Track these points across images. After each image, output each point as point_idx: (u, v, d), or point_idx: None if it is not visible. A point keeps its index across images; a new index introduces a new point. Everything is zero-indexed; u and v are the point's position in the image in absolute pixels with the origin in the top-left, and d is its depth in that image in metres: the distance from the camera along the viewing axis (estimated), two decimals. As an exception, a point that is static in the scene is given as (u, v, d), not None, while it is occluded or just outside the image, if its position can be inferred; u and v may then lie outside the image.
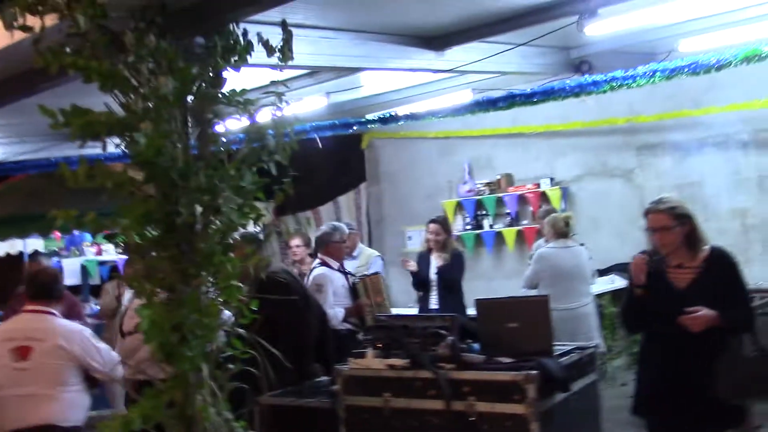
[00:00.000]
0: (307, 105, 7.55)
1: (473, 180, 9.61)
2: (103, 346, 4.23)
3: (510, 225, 9.22)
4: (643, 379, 3.70)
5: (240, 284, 3.55)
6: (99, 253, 9.71)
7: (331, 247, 5.77)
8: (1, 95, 5.11)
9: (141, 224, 3.24)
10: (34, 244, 10.47)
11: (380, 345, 3.95)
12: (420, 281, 6.72)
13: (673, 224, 3.50)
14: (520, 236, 9.18)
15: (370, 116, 6.95)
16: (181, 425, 3.47)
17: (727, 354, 3.42)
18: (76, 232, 9.40)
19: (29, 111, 5.55)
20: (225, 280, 3.54)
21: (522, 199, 9.16)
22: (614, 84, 5.35)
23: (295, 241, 7.26)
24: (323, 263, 5.77)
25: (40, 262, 7.64)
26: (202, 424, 3.44)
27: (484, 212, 9.47)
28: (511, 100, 5.84)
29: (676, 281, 3.57)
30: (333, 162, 10.23)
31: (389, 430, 3.79)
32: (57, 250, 9.90)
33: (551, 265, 6.03)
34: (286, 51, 3.47)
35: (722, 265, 3.56)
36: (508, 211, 9.23)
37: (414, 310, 7.00)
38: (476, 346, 3.89)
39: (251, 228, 3.77)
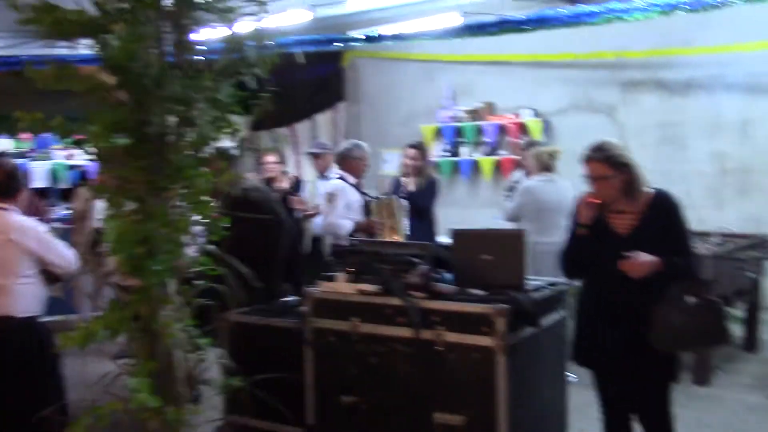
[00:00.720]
0: (289, 18, 7.28)
1: (454, 106, 9.46)
2: (59, 242, 4.27)
3: (488, 154, 9.13)
4: (580, 326, 3.66)
5: (211, 200, 3.46)
6: (69, 157, 9.48)
7: (350, 163, 5.84)
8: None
9: (110, 132, 3.11)
10: (3, 144, 10.23)
11: (351, 269, 3.90)
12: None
13: (611, 173, 3.43)
14: (498, 166, 9.11)
15: (354, 33, 6.71)
16: (145, 339, 3.43)
17: (665, 302, 3.36)
18: (46, 135, 9.17)
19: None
20: (196, 195, 3.44)
21: (502, 129, 9.04)
22: (610, 16, 5.18)
23: (270, 158, 7.12)
24: (341, 177, 5.86)
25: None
26: (166, 339, 3.39)
27: (462, 139, 9.35)
28: (502, 26, 5.66)
29: (617, 227, 3.50)
30: (312, 79, 10.00)
31: (356, 354, 3.78)
32: (25, 151, 9.66)
33: (536, 199, 5.96)
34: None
35: (665, 209, 3.48)
36: (487, 139, 9.12)
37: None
38: (448, 275, 3.85)
39: (226, 142, 3.65)
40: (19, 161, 9.71)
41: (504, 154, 9.03)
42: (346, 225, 5.63)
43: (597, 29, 7.14)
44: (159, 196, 3.40)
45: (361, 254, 3.93)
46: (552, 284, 3.90)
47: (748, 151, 7.63)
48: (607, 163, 3.45)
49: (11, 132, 8.08)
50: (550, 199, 6.18)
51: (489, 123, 9.10)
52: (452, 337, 3.51)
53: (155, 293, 3.38)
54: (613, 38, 7.90)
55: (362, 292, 3.77)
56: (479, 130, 9.20)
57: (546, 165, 6.27)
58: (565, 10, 5.69)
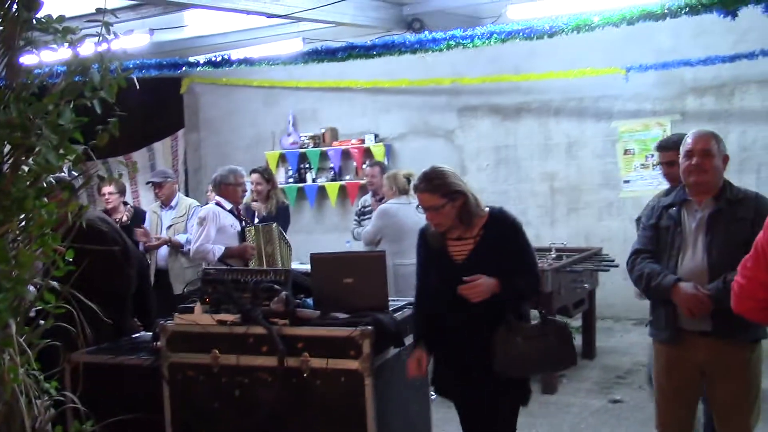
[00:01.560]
0: (128, 41, 6.98)
1: (297, 132, 9.46)
2: None
3: (333, 179, 9.19)
4: (436, 357, 3.53)
5: (54, 233, 3.23)
6: None
7: (224, 189, 5.78)
8: None
9: (-62, 161, 2.82)
10: None
11: (209, 299, 3.76)
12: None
13: (442, 202, 3.31)
14: (343, 191, 9.20)
15: (196, 58, 6.55)
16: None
17: (504, 327, 3.27)
18: None
19: None
20: (38, 228, 3.18)
21: (346, 154, 9.15)
22: (452, 42, 5.39)
23: (108, 189, 6.77)
24: (217, 203, 5.79)
25: None
26: (10, 384, 3.11)
27: (307, 165, 9.36)
28: (349, 51, 5.73)
29: (455, 254, 3.39)
30: (148, 105, 9.65)
31: (217, 387, 3.64)
32: None
33: (395, 221, 6.02)
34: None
35: (501, 229, 3.38)
36: (331, 165, 9.19)
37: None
38: (310, 301, 3.80)
39: (66, 172, 3.42)
40: None
41: (349, 179, 9.12)
42: (216, 250, 5.54)
43: (432, 56, 7.44)
44: (-5, 230, 3.13)
45: (218, 283, 3.79)
46: (412, 303, 3.94)
47: (575, 170, 8.17)
48: (437, 193, 3.31)
49: None
50: (408, 221, 6.27)
51: (333, 148, 9.17)
52: (318, 362, 3.47)
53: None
54: (449, 65, 8.25)
55: (221, 322, 3.64)
56: (323, 156, 9.25)
57: (403, 188, 6.38)
58: (411, 36, 5.86)
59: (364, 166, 8.77)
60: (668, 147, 4.23)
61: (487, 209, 3.42)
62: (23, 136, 3.17)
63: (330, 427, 3.47)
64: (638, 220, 4.92)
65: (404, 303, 3.91)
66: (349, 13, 6.67)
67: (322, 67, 8.30)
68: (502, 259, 3.30)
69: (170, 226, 6.43)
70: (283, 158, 9.46)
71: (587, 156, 8.13)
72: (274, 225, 5.93)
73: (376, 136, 8.98)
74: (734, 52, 6.99)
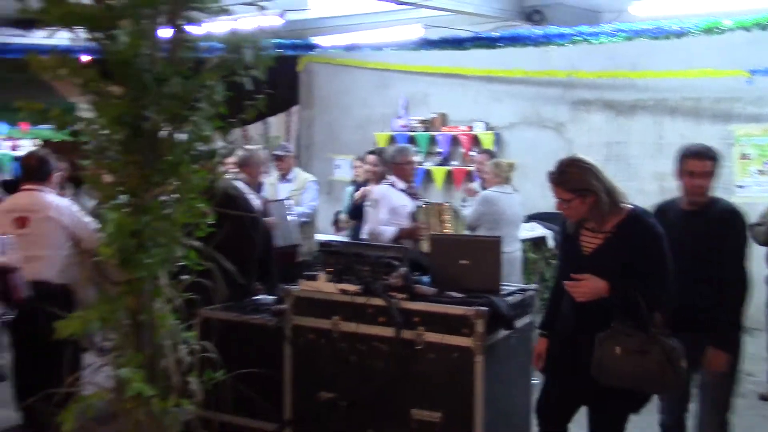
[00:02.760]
0: (262, 21, 7.33)
1: (408, 115, 9.66)
2: (88, 219, 4.79)
3: (440, 164, 9.35)
4: (550, 338, 3.63)
5: (203, 197, 3.53)
6: (14, 148, 9.29)
7: (398, 168, 5.73)
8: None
9: (114, 125, 3.15)
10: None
11: (332, 270, 4.01)
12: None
13: (569, 197, 3.32)
14: (449, 176, 9.35)
15: (320, 40, 6.82)
16: (134, 331, 3.46)
17: (607, 335, 3.23)
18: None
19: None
20: (189, 191, 3.50)
21: (455, 140, 9.29)
22: (578, 38, 5.44)
23: (230, 158, 7.16)
24: (390, 183, 5.74)
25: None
26: (158, 330, 3.44)
27: (415, 148, 9.54)
28: (475, 42, 5.85)
29: (584, 245, 3.40)
30: (265, 80, 10.03)
31: (335, 351, 3.89)
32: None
33: (494, 209, 6.16)
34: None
35: (635, 232, 3.31)
36: (440, 150, 9.35)
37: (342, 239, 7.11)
38: (425, 278, 4.00)
39: (218, 141, 3.72)
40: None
41: (456, 165, 9.27)
42: (387, 232, 5.51)
43: (549, 49, 7.48)
44: (151, 191, 3.45)
45: (340, 255, 4.04)
46: (523, 290, 4.09)
47: (687, 171, 8.05)
48: (566, 187, 3.34)
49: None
50: (506, 210, 6.42)
51: (442, 133, 9.33)
52: (432, 337, 3.67)
53: (146, 286, 3.43)
54: (565, 58, 8.25)
55: (344, 292, 3.89)
56: (432, 140, 9.42)
57: (506, 177, 6.51)
58: (537, 30, 5.94)
59: (471, 152, 8.91)
60: None
61: (628, 207, 3.39)
62: (183, 108, 3.49)
63: (438, 399, 3.66)
64: (752, 226, 4.87)
65: (515, 288, 4.07)
66: (472, 2, 6.78)
67: (436, 53, 8.48)
68: (629, 261, 3.27)
69: (286, 198, 6.75)
70: (392, 140, 9.68)
71: (701, 158, 7.99)
72: (447, 203, 5.97)
73: (485, 123, 9.08)
74: None
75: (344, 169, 9.76)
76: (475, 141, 9.09)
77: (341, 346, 3.89)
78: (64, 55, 3.23)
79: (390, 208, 5.56)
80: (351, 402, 3.86)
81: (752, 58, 7.28)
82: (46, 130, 9.81)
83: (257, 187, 6.10)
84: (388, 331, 3.76)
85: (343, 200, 7.82)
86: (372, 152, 6.89)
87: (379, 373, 3.79)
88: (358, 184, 6.86)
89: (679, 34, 4.90)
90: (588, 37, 5.52)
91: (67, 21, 3.10)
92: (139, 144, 3.39)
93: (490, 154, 7.11)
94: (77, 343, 4.48)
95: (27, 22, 7.02)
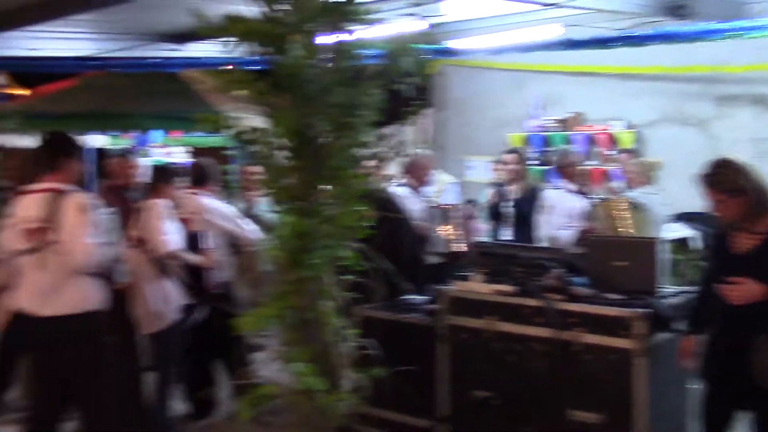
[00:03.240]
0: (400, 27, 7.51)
1: (542, 115, 9.58)
2: (242, 219, 5.24)
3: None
4: (707, 341, 3.53)
5: (364, 200, 3.70)
6: (167, 154, 9.90)
7: (565, 170, 5.83)
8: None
9: (290, 134, 3.35)
10: (99, 140, 10.71)
11: (485, 270, 4.08)
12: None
13: (721, 198, 3.33)
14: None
15: (456, 44, 6.89)
16: (301, 328, 3.66)
17: (763, 335, 3.18)
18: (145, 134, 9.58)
19: (130, 9, 5.62)
20: (351, 195, 3.68)
21: (591, 139, 9.14)
22: (732, 34, 5.26)
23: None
24: (560, 187, 5.86)
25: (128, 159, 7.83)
26: (324, 328, 3.62)
27: (550, 148, 9.46)
28: (626, 41, 5.77)
29: (736, 246, 3.36)
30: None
31: (491, 351, 3.96)
32: (127, 148, 10.11)
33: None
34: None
35: None
36: (576, 149, 9.21)
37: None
38: (577, 280, 4.00)
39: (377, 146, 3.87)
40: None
41: (592, 165, 9.11)
42: (567, 235, 5.49)
43: (692, 44, 7.24)
44: (315, 194, 3.64)
45: (496, 256, 4.11)
46: (683, 292, 4.02)
47: None
48: (716, 188, 3.34)
49: (124, 129, 8.48)
50: (653, 211, 6.26)
51: (578, 133, 9.20)
52: (590, 338, 3.68)
53: (312, 285, 3.61)
54: (708, 53, 7.94)
55: (499, 292, 3.95)
56: (567, 140, 9.30)
57: (649, 176, 6.37)
58: (687, 26, 5.78)
59: (611, 152, 8.75)
60: None
61: None
62: (346, 115, 3.66)
63: (595, 400, 3.67)
64: None
65: (673, 290, 4.00)
66: (616, -1, 6.66)
67: (571, 51, 8.36)
68: None
69: (453, 203, 6.66)
70: (526, 140, 9.63)
71: None
72: (623, 197, 5.90)
73: (624, 122, 8.87)
74: None
75: (478, 171, 9.78)
76: (613, 140, 8.89)
77: (496, 345, 3.96)
78: (240, 69, 3.47)
79: (564, 211, 5.58)
80: (506, 401, 3.92)
81: None
82: (196, 137, 10.41)
83: (421, 191, 6.08)
84: (544, 332, 3.80)
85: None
86: (510, 151, 6.89)
87: (535, 373, 3.83)
88: (499, 185, 6.87)
89: None
90: (740, 32, 5.30)
91: (246, 36, 3.33)
92: (305, 151, 3.60)
93: (634, 153, 6.94)
94: (244, 339, 4.79)
95: (181, 37, 7.48)
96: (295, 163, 3.61)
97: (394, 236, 4.64)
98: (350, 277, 3.71)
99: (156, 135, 9.85)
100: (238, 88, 3.60)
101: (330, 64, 3.60)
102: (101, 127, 8.38)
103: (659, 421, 3.78)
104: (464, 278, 4.17)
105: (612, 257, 3.89)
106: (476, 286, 4.06)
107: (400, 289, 4.76)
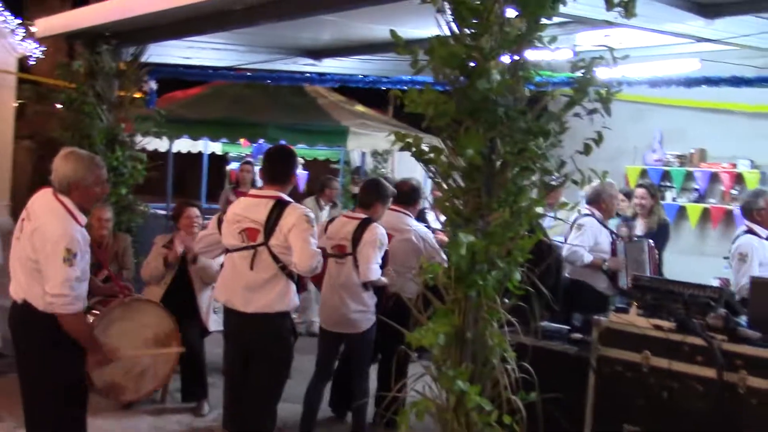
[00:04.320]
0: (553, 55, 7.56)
1: (663, 149, 9.43)
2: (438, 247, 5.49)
3: (696, 201, 9.03)
4: None
5: (537, 224, 3.74)
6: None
7: (756, 215, 5.49)
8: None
9: (477, 155, 3.41)
10: (212, 147, 11.07)
11: (643, 305, 4.05)
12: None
13: None
14: (705, 214, 9.01)
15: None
16: (459, 348, 3.69)
17: None
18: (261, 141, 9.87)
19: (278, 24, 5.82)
20: (529, 219, 3.72)
21: (714, 177, 8.94)
22: None
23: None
24: (749, 230, 5.53)
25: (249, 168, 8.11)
26: (487, 348, 3.66)
27: (668, 184, 9.30)
28: (759, 82, 5.70)
29: None
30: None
31: (645, 386, 3.91)
32: (246, 156, 10.42)
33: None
34: (630, 5, 3.50)
35: None
36: (696, 186, 9.04)
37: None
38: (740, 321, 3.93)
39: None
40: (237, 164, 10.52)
41: (714, 203, 8.91)
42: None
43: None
44: (486, 216, 3.69)
45: (654, 291, 4.07)
46: None
47: None
48: None
49: (252, 137, 8.77)
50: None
51: (700, 169, 9.02)
52: (758, 382, 3.59)
53: (477, 305, 3.66)
54: None
55: (657, 327, 3.91)
56: (688, 176, 9.13)
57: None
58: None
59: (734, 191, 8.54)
60: None
61: None
62: (531, 141, 3.70)
63: (763, 446, 3.58)
64: None
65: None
66: (756, 35, 6.53)
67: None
68: None
69: (644, 236, 6.49)
70: (644, 174, 9.49)
71: None
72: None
73: (751, 161, 8.66)
74: None
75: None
76: (738, 179, 8.69)
77: (651, 381, 3.90)
78: (431, 89, 3.55)
79: (760, 260, 5.29)
80: (659, 437, 3.86)
81: None
82: (304, 149, 10.63)
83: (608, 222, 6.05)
84: (705, 371, 3.73)
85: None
86: (641, 185, 6.82)
87: (691, 412, 3.76)
88: (627, 219, 6.80)
89: None
90: None
91: (446, 60, 3.42)
92: (480, 173, 3.65)
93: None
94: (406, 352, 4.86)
95: (318, 53, 7.69)
96: (471, 184, 3.67)
97: (539, 261, 4.64)
98: (512, 300, 3.76)
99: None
100: (427, 109, 3.67)
101: (518, 91, 3.67)
102: (230, 135, 8.67)
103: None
104: (622, 310, 4.14)
105: (780, 300, 3.80)
106: (633, 318, 4.02)
107: (553, 316, 4.77)
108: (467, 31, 3.47)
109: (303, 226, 4.00)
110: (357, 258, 4.86)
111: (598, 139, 3.66)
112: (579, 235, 5.80)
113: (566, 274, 5.89)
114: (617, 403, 4.02)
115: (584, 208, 6.05)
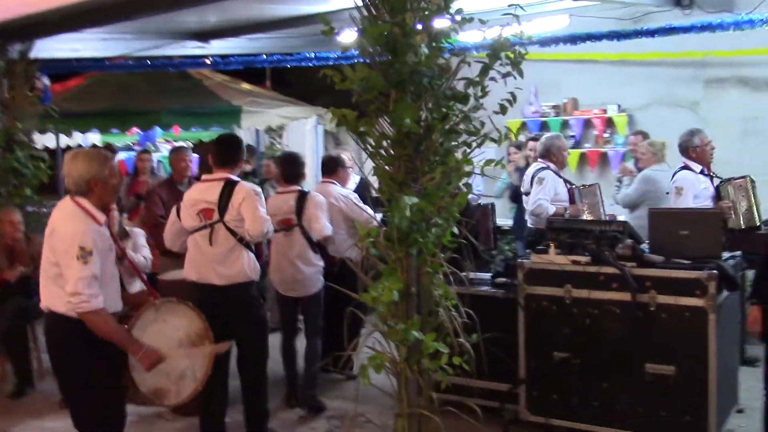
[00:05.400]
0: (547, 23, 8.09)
1: (538, 102, 10.05)
2: (364, 207, 5.65)
3: (574, 147, 9.71)
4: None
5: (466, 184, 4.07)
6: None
7: (692, 152, 6.06)
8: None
9: (414, 125, 3.68)
10: (92, 138, 10.79)
11: (560, 244, 4.49)
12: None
13: None
14: (583, 158, 9.71)
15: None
16: (403, 301, 3.99)
17: None
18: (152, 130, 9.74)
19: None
20: (458, 179, 4.05)
21: (587, 123, 9.65)
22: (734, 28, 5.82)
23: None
24: (685, 167, 6.09)
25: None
26: (428, 299, 3.98)
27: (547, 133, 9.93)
28: (635, 35, 6.32)
29: None
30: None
31: (569, 316, 4.38)
32: (131, 144, 10.24)
33: (658, 187, 6.50)
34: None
35: None
36: (572, 133, 9.71)
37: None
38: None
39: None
40: (125, 154, 10.34)
41: (589, 147, 9.63)
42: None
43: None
44: (419, 180, 4.00)
45: (568, 231, 4.52)
46: (732, 256, 4.49)
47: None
48: None
49: (144, 126, 8.64)
50: (664, 188, 6.75)
51: (574, 117, 9.70)
52: (665, 299, 4.12)
53: (421, 260, 3.97)
54: (697, 39, 8.49)
55: (575, 262, 4.37)
56: (564, 125, 9.79)
57: (661, 156, 6.86)
58: (696, 21, 6.36)
59: (606, 135, 9.25)
60: None
61: None
62: (455, 105, 3.99)
63: (672, 354, 4.11)
64: None
65: (729, 255, 4.47)
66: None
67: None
68: None
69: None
70: (524, 126, 10.08)
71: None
72: (748, 178, 6.14)
73: (618, 106, 9.40)
74: None
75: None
76: (609, 123, 9.42)
77: (574, 311, 4.37)
78: (365, 67, 3.79)
79: (694, 193, 5.85)
80: (584, 360, 4.34)
81: None
82: (195, 132, 10.57)
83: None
84: (620, 296, 4.22)
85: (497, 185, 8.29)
86: (533, 138, 7.37)
87: (613, 333, 4.26)
88: (520, 169, 7.31)
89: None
90: (743, 26, 5.88)
91: (377, 39, 3.65)
92: (410, 139, 3.94)
93: (644, 135, 7.44)
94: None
95: (206, 35, 7.69)
96: (402, 151, 3.95)
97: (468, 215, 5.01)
98: (446, 254, 4.09)
99: (158, 131, 9.99)
100: (360, 84, 3.90)
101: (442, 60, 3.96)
102: (121, 125, 8.53)
103: (724, 372, 4.25)
104: (541, 251, 4.57)
105: (677, 227, 4.33)
106: (553, 257, 4.46)
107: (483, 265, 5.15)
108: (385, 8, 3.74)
109: (252, 198, 4.44)
110: (303, 226, 5.27)
111: (512, 100, 4.02)
112: (541, 189, 6.13)
113: (531, 225, 6.29)
114: (546, 334, 4.47)
115: (539, 162, 6.42)
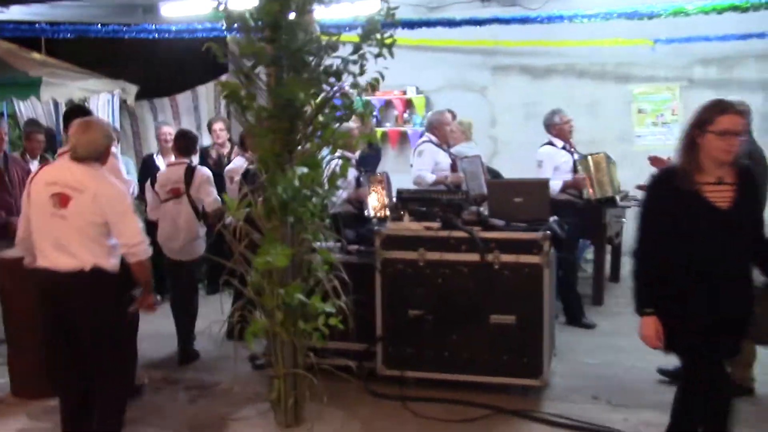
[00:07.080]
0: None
1: (344, 83, 10.46)
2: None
3: (377, 126, 10.25)
4: (687, 314, 3.20)
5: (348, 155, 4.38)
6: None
7: (554, 129, 6.70)
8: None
9: (296, 99, 3.87)
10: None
11: (413, 212, 4.91)
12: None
13: (743, 131, 3.17)
14: (384, 137, 10.29)
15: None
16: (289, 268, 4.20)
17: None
18: None
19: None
20: (335, 149, 4.31)
21: (388, 104, 10.24)
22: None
23: (219, 125, 7.76)
24: (548, 142, 6.75)
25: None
26: (309, 265, 4.23)
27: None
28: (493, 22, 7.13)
29: (716, 200, 3.12)
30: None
31: (423, 277, 4.81)
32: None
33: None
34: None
35: (752, 180, 3.22)
36: (375, 113, 10.25)
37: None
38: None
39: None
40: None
41: (389, 126, 10.23)
42: (556, 187, 6.32)
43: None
44: (295, 153, 4.22)
45: (419, 200, 4.95)
46: (555, 221, 5.19)
47: (595, 126, 9.52)
48: (744, 120, 3.31)
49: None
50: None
51: (376, 98, 10.23)
52: (507, 258, 4.69)
53: (300, 229, 4.21)
54: (486, 29, 9.38)
55: (428, 228, 4.81)
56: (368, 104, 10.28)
57: (469, 135, 7.57)
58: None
59: (406, 114, 9.88)
60: None
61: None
62: (331, 80, 4.24)
63: (513, 306, 4.70)
64: None
65: (554, 219, 5.15)
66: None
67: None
68: (753, 210, 3.26)
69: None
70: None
71: (605, 114, 9.50)
72: (603, 154, 6.84)
73: (416, 88, 10.09)
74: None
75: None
76: (409, 104, 10.08)
77: (427, 272, 4.82)
78: (261, 43, 3.92)
79: (554, 165, 6.52)
80: (437, 316, 4.81)
81: (652, 29, 8.75)
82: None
83: (447, 146, 6.84)
84: (468, 257, 4.74)
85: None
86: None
87: (462, 291, 4.76)
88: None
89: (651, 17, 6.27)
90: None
91: (266, 18, 3.80)
92: (286, 113, 4.15)
93: (453, 115, 8.11)
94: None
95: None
96: (278, 123, 4.14)
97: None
98: (320, 224, 4.36)
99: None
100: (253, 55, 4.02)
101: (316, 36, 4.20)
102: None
103: (550, 317, 4.93)
104: (396, 219, 4.96)
105: (511, 195, 4.93)
106: (407, 224, 4.87)
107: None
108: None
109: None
110: (191, 195, 5.67)
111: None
112: (420, 160, 6.69)
113: None
114: (402, 294, 4.88)
115: (425, 136, 6.95)
